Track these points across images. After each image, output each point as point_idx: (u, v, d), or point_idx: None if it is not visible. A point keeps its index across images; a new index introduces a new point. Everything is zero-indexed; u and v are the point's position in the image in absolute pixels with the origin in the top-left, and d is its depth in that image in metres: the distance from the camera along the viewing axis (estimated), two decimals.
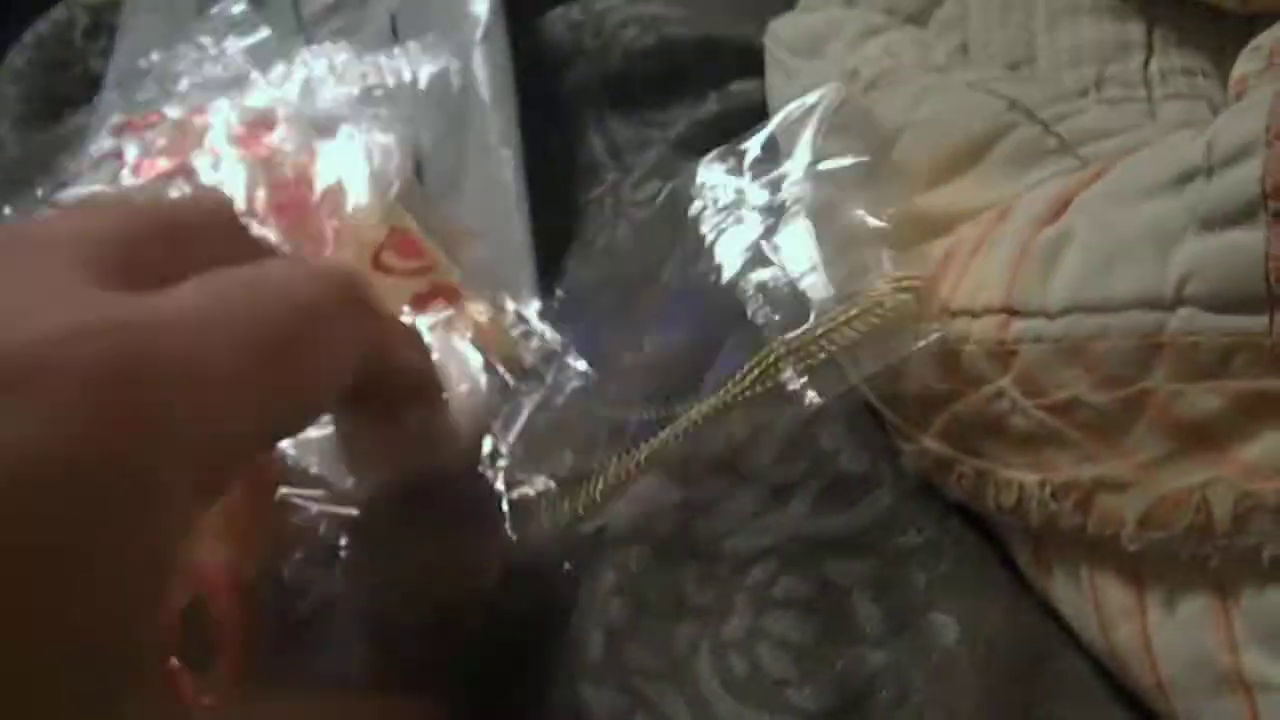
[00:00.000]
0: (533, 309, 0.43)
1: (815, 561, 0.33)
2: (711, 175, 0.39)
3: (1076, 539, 0.30)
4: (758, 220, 0.37)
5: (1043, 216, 0.32)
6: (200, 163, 0.49)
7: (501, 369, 0.41)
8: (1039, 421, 0.30)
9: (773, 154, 0.38)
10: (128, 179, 0.51)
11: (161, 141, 0.52)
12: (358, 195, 0.46)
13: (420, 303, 0.45)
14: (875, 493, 0.34)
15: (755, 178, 0.38)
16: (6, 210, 0.55)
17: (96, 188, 0.51)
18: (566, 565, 0.35)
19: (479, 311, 0.44)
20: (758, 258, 0.36)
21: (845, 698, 0.31)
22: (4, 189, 0.57)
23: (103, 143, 0.53)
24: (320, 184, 0.47)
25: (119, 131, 0.54)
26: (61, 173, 0.56)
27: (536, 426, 0.38)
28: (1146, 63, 0.40)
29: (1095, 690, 0.30)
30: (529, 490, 0.35)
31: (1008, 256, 0.32)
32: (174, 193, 0.49)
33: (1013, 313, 0.31)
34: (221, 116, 0.51)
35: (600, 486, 0.34)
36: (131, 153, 0.52)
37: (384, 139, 0.47)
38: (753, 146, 0.39)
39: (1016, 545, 0.32)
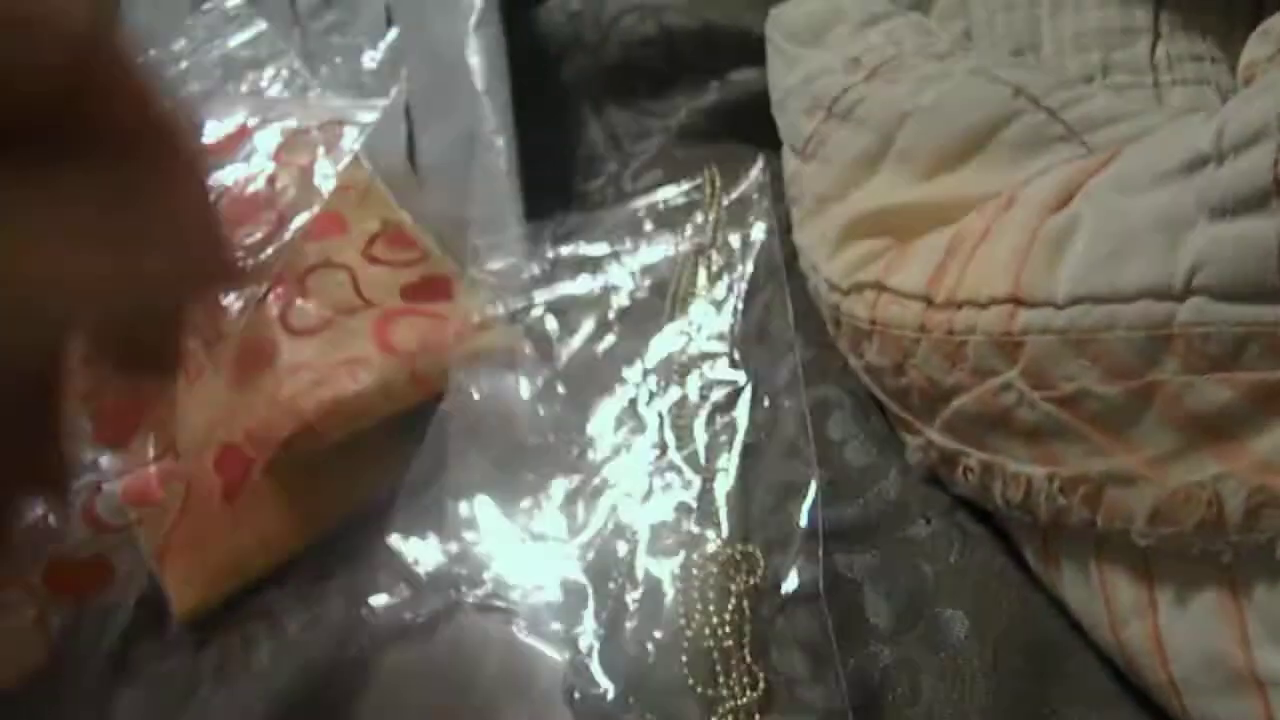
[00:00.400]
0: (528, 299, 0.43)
1: (825, 553, 0.33)
2: None
3: (1085, 534, 0.29)
4: None
5: (1050, 204, 0.31)
6: None
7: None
8: (1047, 414, 0.29)
9: None
10: None
11: None
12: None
13: (411, 294, 0.45)
14: (882, 483, 0.34)
15: None
16: None
17: None
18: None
19: (474, 304, 0.44)
20: None
21: (857, 697, 0.30)
22: None
23: None
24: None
25: None
26: None
27: None
28: (1153, 48, 0.39)
29: (1105, 689, 0.30)
30: None
31: (1014, 245, 0.31)
32: None
33: (1020, 303, 0.30)
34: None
35: None
36: None
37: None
38: None
39: (1024, 540, 0.32)
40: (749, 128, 0.45)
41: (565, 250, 0.43)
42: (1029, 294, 0.30)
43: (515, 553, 0.35)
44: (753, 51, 0.46)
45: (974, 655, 0.30)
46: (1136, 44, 0.39)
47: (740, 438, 0.36)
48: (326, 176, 0.46)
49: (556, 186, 0.47)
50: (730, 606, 0.32)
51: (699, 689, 0.31)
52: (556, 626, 0.33)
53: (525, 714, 0.32)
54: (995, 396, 0.30)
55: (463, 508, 0.36)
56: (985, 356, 0.31)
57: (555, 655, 0.32)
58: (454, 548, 0.35)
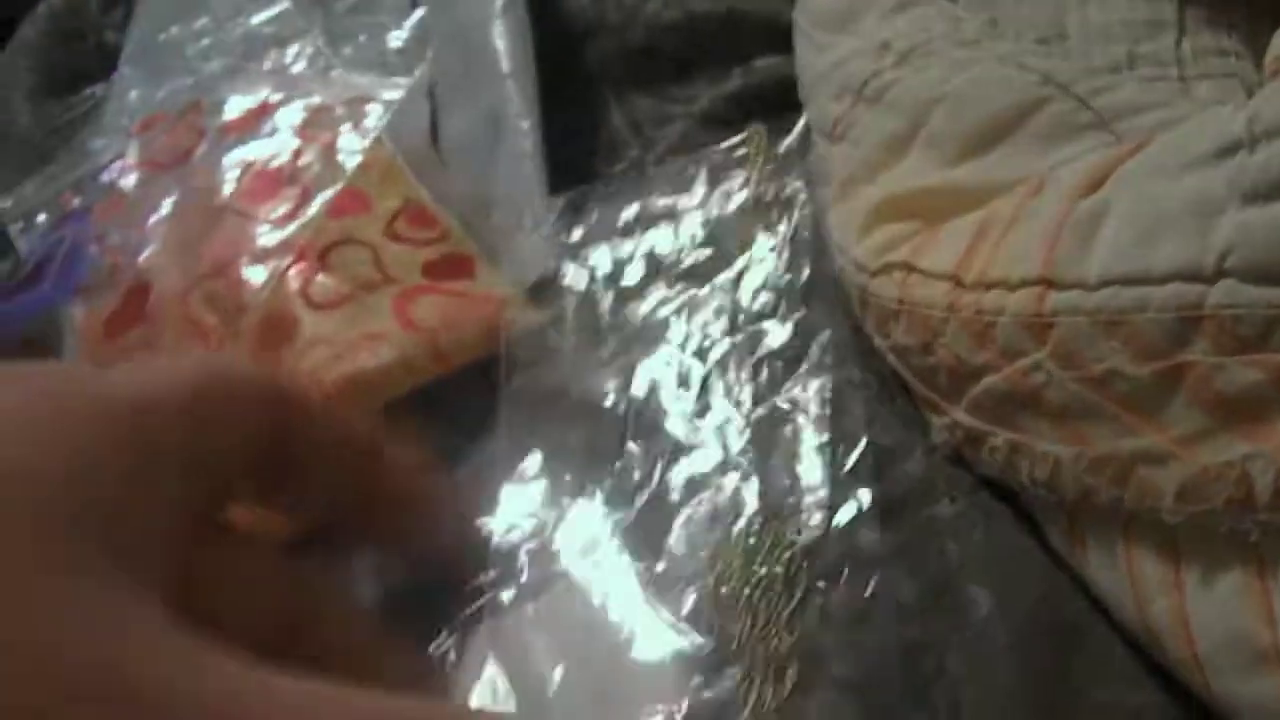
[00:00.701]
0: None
1: (849, 532, 0.33)
2: None
3: (1112, 513, 0.29)
4: None
5: (1080, 189, 0.32)
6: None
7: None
8: (1076, 394, 0.30)
9: None
10: (129, 182, 0.51)
11: (162, 139, 0.52)
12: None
13: (432, 271, 0.45)
14: (907, 463, 0.34)
15: None
16: (28, 188, 0.54)
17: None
18: None
19: (491, 277, 0.44)
20: None
21: (882, 671, 0.31)
22: (20, 161, 0.57)
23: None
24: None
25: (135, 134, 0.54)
26: (81, 148, 0.56)
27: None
28: (1178, 42, 0.40)
29: (1128, 667, 0.30)
30: None
31: (1044, 229, 0.31)
32: (170, 190, 0.48)
33: (1050, 284, 0.30)
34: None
35: None
36: (132, 156, 0.52)
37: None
38: None
39: (1049, 519, 0.32)
40: (772, 115, 0.46)
41: (608, 210, 0.43)
42: (1059, 276, 0.30)
43: (574, 523, 0.35)
44: (777, 38, 0.47)
45: (998, 633, 0.31)
46: (1162, 38, 0.40)
47: (785, 401, 0.36)
48: (351, 153, 0.46)
49: (579, 170, 0.47)
50: (763, 574, 0.33)
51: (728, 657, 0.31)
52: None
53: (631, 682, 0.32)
54: (1024, 377, 0.31)
55: (517, 483, 0.36)
56: (1014, 337, 0.31)
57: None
58: (515, 524, 0.36)
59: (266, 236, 0.45)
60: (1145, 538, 0.29)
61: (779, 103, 0.45)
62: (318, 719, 0.20)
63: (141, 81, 0.56)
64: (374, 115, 0.47)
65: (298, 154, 0.47)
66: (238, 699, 0.20)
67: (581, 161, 0.48)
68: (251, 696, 0.20)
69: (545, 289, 0.43)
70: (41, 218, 0.53)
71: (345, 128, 0.47)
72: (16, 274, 0.52)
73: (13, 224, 0.54)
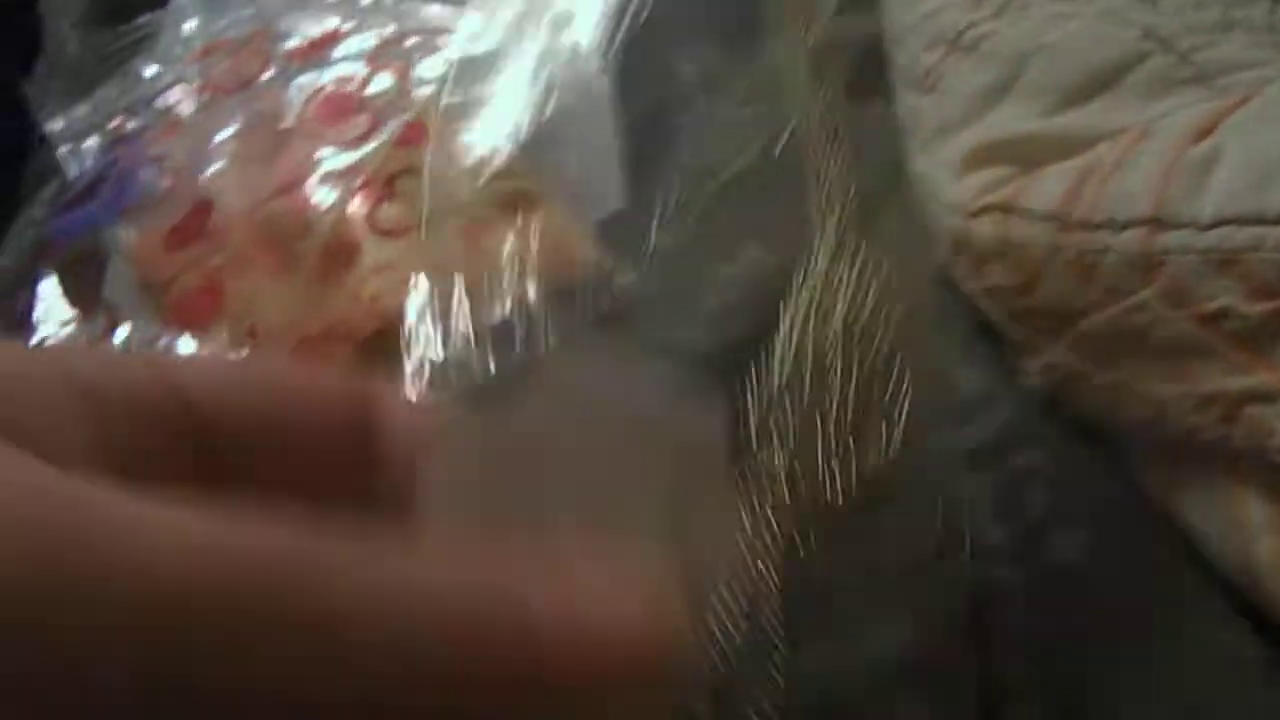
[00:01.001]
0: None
1: (935, 478, 0.33)
2: None
3: (1217, 453, 0.29)
4: None
5: (1188, 137, 0.32)
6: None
7: None
8: (1184, 333, 0.29)
9: None
10: (187, 107, 0.50)
11: (225, 65, 0.52)
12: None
13: (497, 205, 0.45)
14: (996, 409, 0.34)
15: None
16: (79, 111, 0.54)
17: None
18: None
19: (558, 214, 0.44)
20: None
21: (968, 610, 0.30)
22: (69, 86, 0.57)
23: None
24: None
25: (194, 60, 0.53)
26: (133, 74, 0.55)
27: None
28: (1273, 9, 0.40)
29: (1222, 609, 0.30)
30: None
31: (1152, 173, 0.31)
32: (233, 114, 0.48)
33: (1160, 224, 0.30)
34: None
35: None
36: (193, 81, 0.52)
37: None
38: None
39: (1144, 461, 0.32)
40: (848, 72, 0.46)
41: None
42: (1171, 215, 0.30)
43: None
44: None
45: (1089, 576, 0.30)
46: (1257, 4, 0.40)
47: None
48: (423, 83, 0.46)
49: (647, 117, 0.47)
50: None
51: None
52: None
53: None
54: (1129, 315, 0.30)
55: None
56: (1121, 276, 0.31)
57: None
58: None
59: (334, 159, 0.44)
60: (1250, 477, 0.29)
61: (856, 62, 0.45)
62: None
63: (200, 10, 0.55)
64: (446, 47, 0.47)
65: (366, 81, 0.47)
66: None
67: (650, 110, 0.48)
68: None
69: (612, 226, 0.43)
70: (92, 141, 0.53)
71: (418, 57, 0.46)
72: (64, 194, 0.52)
73: (62, 145, 0.53)
